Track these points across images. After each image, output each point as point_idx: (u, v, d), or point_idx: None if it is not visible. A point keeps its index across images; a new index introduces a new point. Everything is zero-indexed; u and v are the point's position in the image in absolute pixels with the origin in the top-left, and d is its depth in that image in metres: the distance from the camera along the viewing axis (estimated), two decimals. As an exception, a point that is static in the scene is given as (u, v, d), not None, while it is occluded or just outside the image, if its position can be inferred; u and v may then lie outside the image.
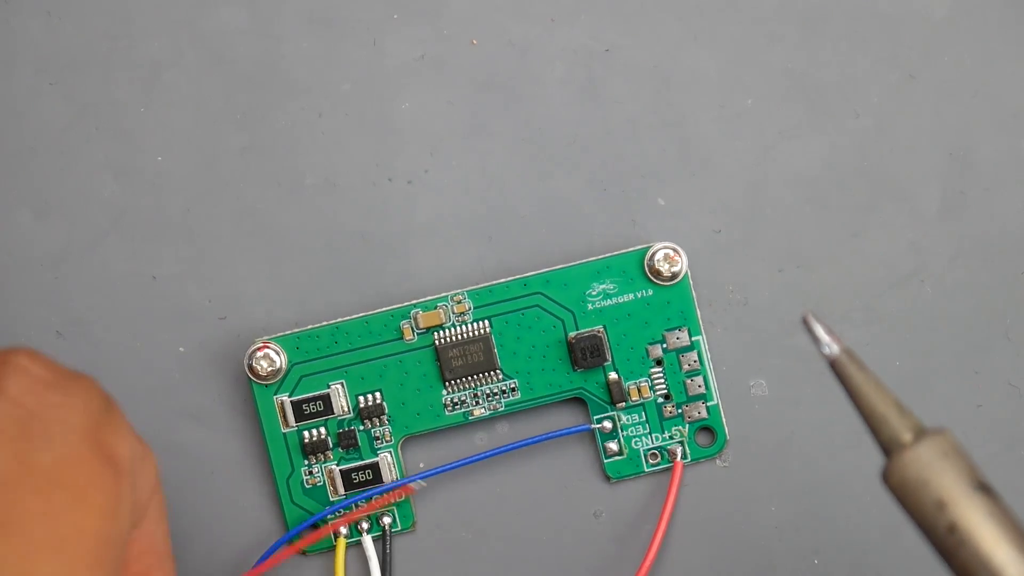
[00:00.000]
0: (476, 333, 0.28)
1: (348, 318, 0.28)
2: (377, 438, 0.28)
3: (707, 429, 0.28)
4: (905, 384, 0.28)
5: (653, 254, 0.27)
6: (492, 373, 0.28)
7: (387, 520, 0.28)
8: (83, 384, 0.20)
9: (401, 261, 0.28)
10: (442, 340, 0.28)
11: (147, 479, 0.21)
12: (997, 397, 0.28)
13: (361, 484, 0.28)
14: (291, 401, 0.28)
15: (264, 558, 0.27)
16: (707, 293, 0.28)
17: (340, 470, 0.28)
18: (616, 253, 0.28)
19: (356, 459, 0.28)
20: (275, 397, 0.28)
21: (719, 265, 0.28)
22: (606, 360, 0.28)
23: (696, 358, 0.28)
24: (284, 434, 0.28)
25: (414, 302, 0.28)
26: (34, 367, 0.19)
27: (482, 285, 0.28)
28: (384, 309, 0.28)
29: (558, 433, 0.28)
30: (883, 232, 0.28)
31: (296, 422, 0.28)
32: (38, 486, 0.17)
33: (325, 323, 0.28)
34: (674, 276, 0.27)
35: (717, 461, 0.28)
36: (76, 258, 0.28)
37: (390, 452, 0.28)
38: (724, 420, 0.28)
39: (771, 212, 0.28)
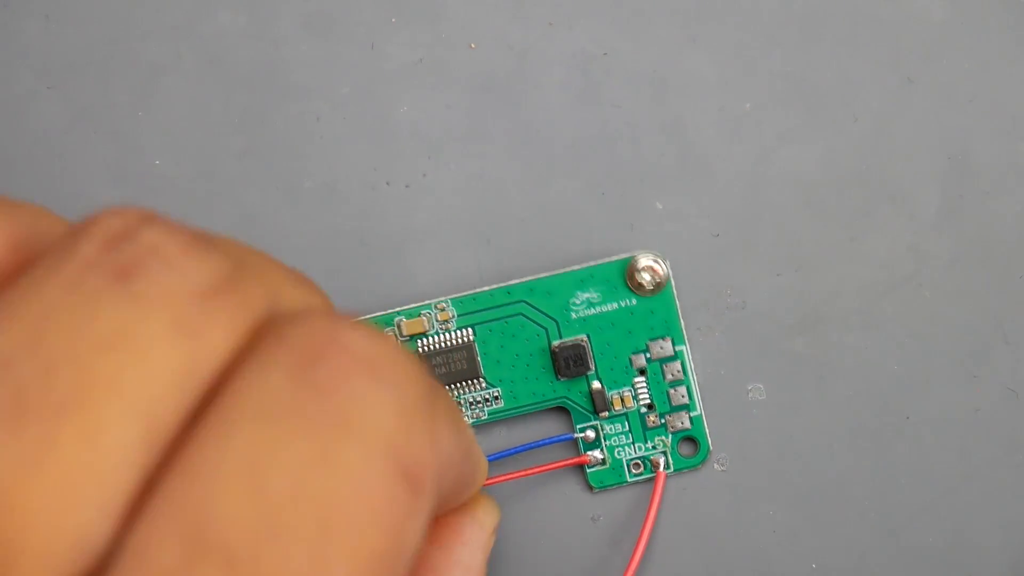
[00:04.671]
0: (459, 341, 0.28)
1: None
2: (363, 445, 0.28)
3: (690, 439, 0.28)
4: (903, 388, 0.28)
5: (635, 266, 0.27)
6: (475, 381, 0.28)
7: None
8: (403, 369, 0.14)
9: (400, 265, 0.28)
10: (425, 348, 0.28)
11: (457, 477, 0.17)
12: (995, 401, 0.28)
13: None
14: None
15: None
16: (705, 297, 0.28)
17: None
18: (600, 262, 0.28)
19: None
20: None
21: (717, 269, 0.28)
22: (589, 369, 0.28)
23: (680, 368, 0.28)
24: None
25: (397, 309, 0.28)
26: (359, 341, 0.14)
27: (466, 293, 0.28)
28: (367, 316, 0.28)
29: (541, 443, 0.28)
30: (881, 236, 0.28)
31: None
32: (302, 507, 0.13)
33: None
34: (657, 288, 0.27)
35: (715, 465, 0.28)
36: (74, 262, 0.28)
37: (375, 458, 0.28)
38: (707, 431, 0.28)
39: (769, 216, 0.28)
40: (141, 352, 0.13)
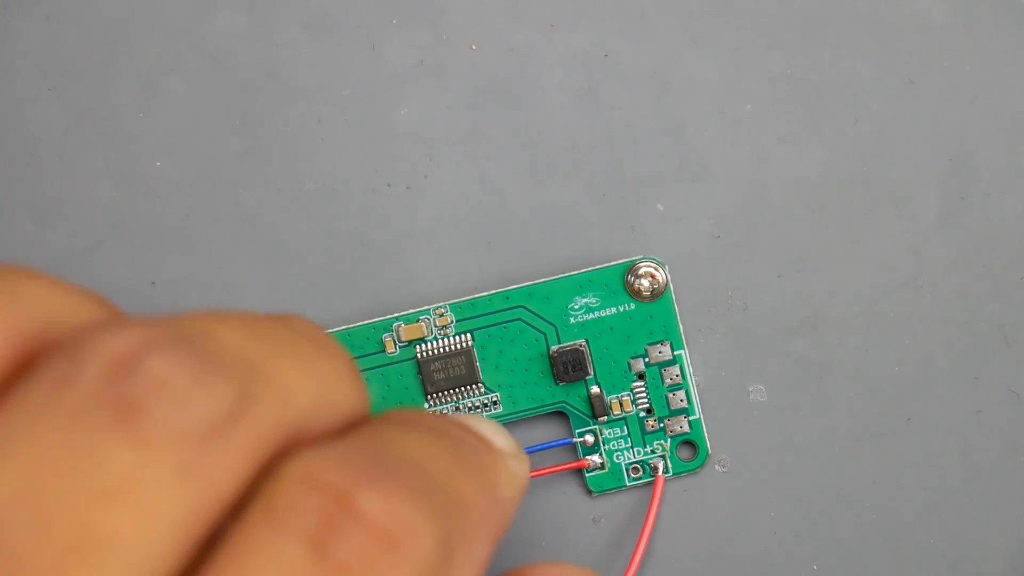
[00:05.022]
0: (458, 346, 0.28)
1: (330, 331, 0.28)
2: (358, 451, 0.28)
3: (689, 443, 0.28)
4: (904, 390, 0.28)
5: (634, 272, 0.27)
6: (474, 386, 0.28)
7: None
8: (419, 534, 0.14)
9: (401, 266, 0.28)
10: (424, 353, 0.28)
11: None
12: (996, 403, 0.28)
13: None
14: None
15: None
16: (706, 298, 0.28)
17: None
18: (599, 267, 0.28)
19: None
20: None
21: (718, 270, 0.28)
22: (588, 374, 0.27)
23: (678, 372, 0.28)
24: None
25: (396, 315, 0.28)
26: (375, 508, 0.13)
27: (464, 298, 0.28)
28: (366, 322, 0.28)
29: (540, 447, 0.28)
30: (882, 237, 0.28)
31: None
32: None
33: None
34: (654, 295, 0.27)
35: (716, 466, 0.28)
36: (75, 264, 0.28)
37: (371, 464, 0.28)
38: (706, 434, 0.28)
39: (770, 217, 0.28)
40: (144, 504, 0.12)
